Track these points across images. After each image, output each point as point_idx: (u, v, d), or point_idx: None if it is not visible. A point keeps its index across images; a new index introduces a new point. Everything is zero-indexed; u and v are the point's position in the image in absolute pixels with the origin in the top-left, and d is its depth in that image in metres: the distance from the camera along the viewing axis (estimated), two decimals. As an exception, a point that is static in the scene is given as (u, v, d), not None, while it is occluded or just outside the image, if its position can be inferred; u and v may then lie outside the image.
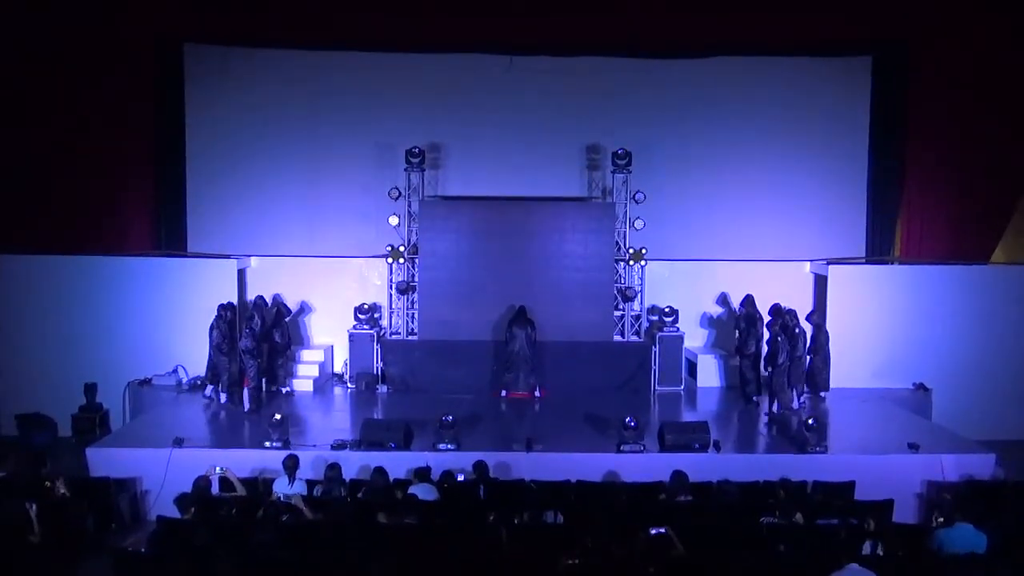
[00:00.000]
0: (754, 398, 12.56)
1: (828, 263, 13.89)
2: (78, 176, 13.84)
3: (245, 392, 11.93)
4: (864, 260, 14.69)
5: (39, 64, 13.30)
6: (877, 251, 14.81)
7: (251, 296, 13.15)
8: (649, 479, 9.09)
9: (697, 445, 10.05)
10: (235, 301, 13.07)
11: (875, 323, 13.44)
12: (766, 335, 12.62)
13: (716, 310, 14.38)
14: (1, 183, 13.42)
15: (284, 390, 12.99)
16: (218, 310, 12.32)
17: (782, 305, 12.57)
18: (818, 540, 7.27)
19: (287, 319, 13.33)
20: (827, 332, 12.84)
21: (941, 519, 7.89)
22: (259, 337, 12.27)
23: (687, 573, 6.86)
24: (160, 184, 14.61)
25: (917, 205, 14.62)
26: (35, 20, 13.19)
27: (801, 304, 14.29)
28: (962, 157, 14.20)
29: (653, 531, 6.94)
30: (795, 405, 12.15)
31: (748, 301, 13.24)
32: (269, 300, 13.16)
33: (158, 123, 14.43)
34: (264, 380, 12.45)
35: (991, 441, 10.92)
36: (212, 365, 12.34)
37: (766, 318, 12.73)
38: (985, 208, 14.34)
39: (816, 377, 12.73)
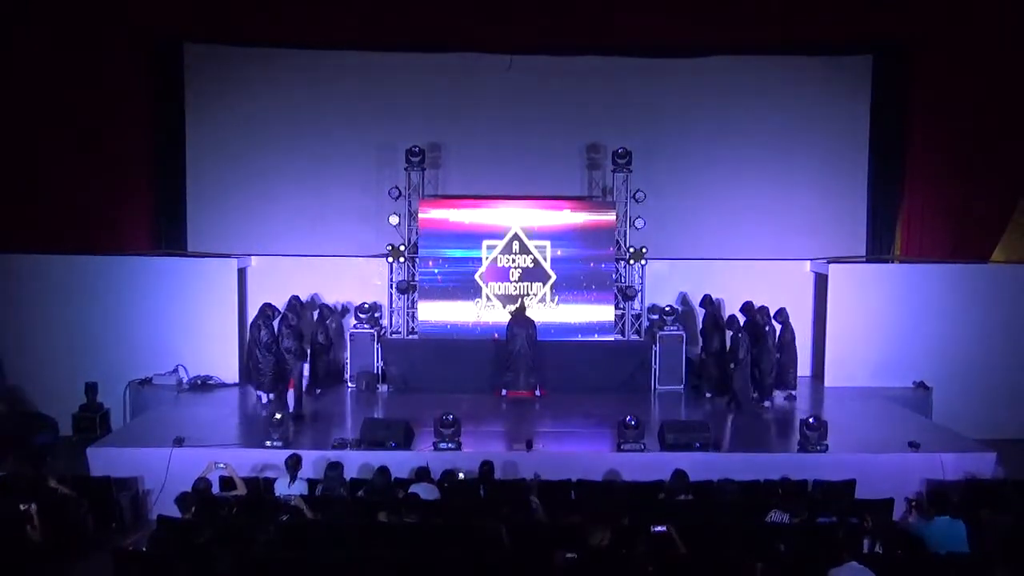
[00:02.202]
0: (707, 394, 12.79)
1: (828, 262, 13.90)
2: (78, 176, 13.83)
3: (290, 393, 11.95)
4: (864, 259, 14.69)
5: (39, 63, 13.29)
6: (877, 250, 14.80)
7: (285, 297, 13.14)
8: (650, 478, 9.10)
9: (698, 444, 10.05)
10: (236, 299, 13.12)
11: (875, 322, 13.45)
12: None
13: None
14: (1, 183, 13.44)
15: (317, 391, 13.01)
16: (265, 309, 12.40)
17: (753, 303, 12.78)
18: (818, 538, 7.27)
19: (329, 320, 13.32)
20: (793, 330, 12.86)
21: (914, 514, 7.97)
22: (300, 336, 12.28)
23: (687, 572, 6.86)
24: (160, 184, 14.59)
25: (917, 204, 14.61)
26: (35, 19, 13.19)
27: (802, 305, 14.41)
28: (962, 157, 14.18)
29: (654, 529, 6.95)
30: (766, 403, 12.31)
31: (707, 300, 13.29)
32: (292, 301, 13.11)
33: (158, 123, 14.42)
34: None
35: (991, 440, 10.95)
36: (255, 365, 12.34)
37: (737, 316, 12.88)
38: (985, 207, 14.33)
39: (784, 375, 12.74)
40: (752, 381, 12.22)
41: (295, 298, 13.01)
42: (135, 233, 14.43)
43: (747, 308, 12.81)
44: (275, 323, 12.36)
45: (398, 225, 13.85)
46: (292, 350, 12.00)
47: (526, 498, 8.01)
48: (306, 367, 12.63)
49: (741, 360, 12.01)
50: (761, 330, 12.33)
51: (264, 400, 12.32)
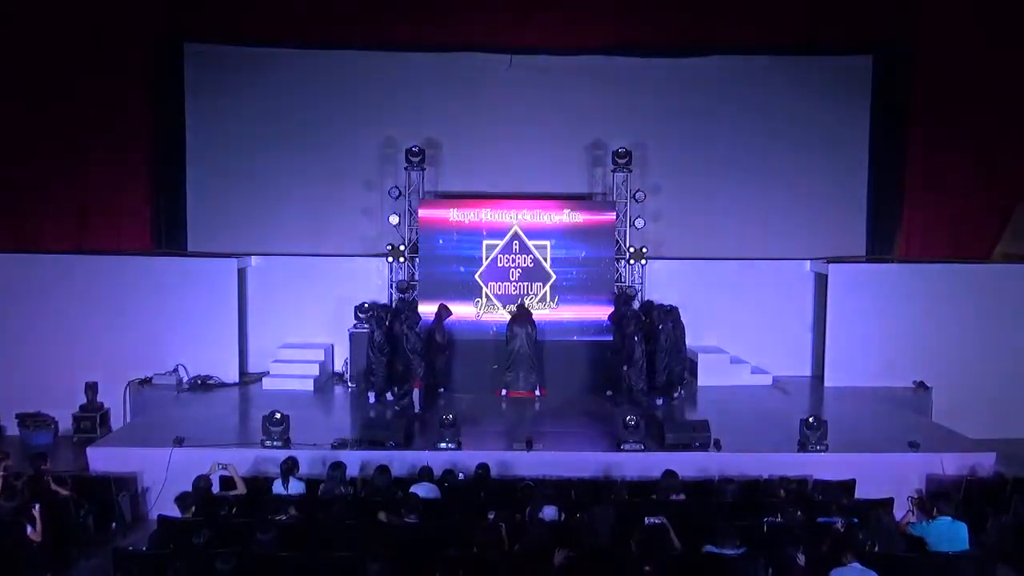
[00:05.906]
0: (607, 392, 12.77)
1: (828, 262, 13.89)
2: (78, 175, 13.84)
3: (415, 393, 11.95)
4: (865, 259, 14.68)
5: (38, 63, 13.30)
6: (877, 249, 14.79)
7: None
8: (650, 477, 9.09)
9: (698, 444, 10.06)
10: (236, 299, 13.17)
11: (875, 321, 13.45)
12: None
13: None
14: (1, 182, 13.44)
15: (441, 389, 13.04)
16: (371, 310, 12.50)
17: (653, 302, 12.96)
18: (818, 538, 7.26)
19: (446, 320, 13.32)
20: (683, 327, 12.87)
21: (915, 513, 7.98)
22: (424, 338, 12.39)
23: (685, 571, 6.85)
24: (160, 184, 14.54)
25: (917, 204, 14.58)
26: (34, 19, 13.19)
27: (802, 304, 14.40)
28: (962, 156, 14.19)
29: (648, 520, 6.94)
30: (659, 402, 12.41)
31: (620, 297, 13.34)
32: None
33: (158, 123, 14.37)
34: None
35: (991, 439, 10.96)
36: (368, 365, 12.44)
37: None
38: (985, 208, 14.34)
39: (672, 374, 12.80)
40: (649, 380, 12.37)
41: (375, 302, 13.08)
42: (135, 233, 14.41)
43: (646, 307, 12.86)
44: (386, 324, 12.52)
45: (398, 225, 13.85)
46: (418, 351, 12.03)
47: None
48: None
49: (636, 360, 12.11)
50: (654, 329, 12.34)
51: (371, 400, 12.43)
